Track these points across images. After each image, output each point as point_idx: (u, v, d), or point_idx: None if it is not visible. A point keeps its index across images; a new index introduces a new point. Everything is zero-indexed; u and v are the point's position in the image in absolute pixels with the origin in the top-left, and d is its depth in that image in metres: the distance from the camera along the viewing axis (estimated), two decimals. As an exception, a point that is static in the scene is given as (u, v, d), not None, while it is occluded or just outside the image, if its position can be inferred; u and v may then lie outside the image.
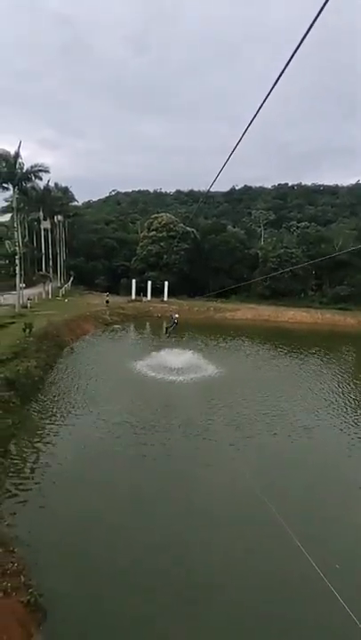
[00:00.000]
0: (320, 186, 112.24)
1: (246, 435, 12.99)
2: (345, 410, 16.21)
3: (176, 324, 27.28)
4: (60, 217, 52.74)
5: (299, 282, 52.64)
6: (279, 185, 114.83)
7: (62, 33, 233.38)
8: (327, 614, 6.04)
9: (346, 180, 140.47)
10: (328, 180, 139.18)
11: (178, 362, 20.58)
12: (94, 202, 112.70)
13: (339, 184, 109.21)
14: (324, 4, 2.54)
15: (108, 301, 41.16)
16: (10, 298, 33.63)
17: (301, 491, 9.98)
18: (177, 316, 28.92)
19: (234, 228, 65.64)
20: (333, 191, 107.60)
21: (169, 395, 16.79)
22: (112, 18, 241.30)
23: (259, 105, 4.51)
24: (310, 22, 2.90)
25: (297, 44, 3.72)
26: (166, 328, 27.97)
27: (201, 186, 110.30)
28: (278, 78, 3.39)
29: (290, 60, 3.22)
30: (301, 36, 3.56)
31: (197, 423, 13.66)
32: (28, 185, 35.21)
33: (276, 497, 8.44)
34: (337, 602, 5.25)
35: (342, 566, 7.10)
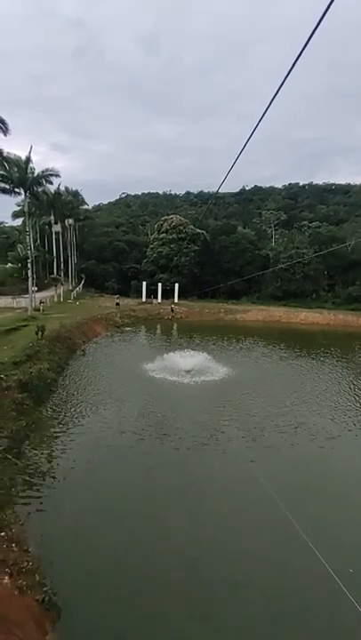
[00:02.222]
0: (332, 185, 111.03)
1: (264, 444, 12.42)
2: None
3: (173, 311, 42.02)
4: (70, 220, 53.31)
5: (311, 282, 52.10)
6: (290, 185, 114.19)
7: (76, 36, 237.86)
8: (341, 617, 5.98)
9: (358, 178, 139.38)
10: (340, 179, 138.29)
11: (189, 364, 20.55)
12: (104, 205, 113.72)
13: (351, 182, 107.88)
14: (329, 5, 2.55)
15: (118, 304, 41.61)
16: (22, 301, 34.14)
17: (321, 501, 9.53)
18: (176, 307, 43.25)
19: (244, 228, 65.34)
20: (346, 190, 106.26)
21: (180, 398, 16.69)
22: (123, 19, 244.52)
23: (269, 104, 4.54)
24: (316, 21, 2.91)
25: (307, 41, 3.73)
26: (170, 314, 41.86)
27: (211, 187, 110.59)
28: (286, 77, 3.41)
29: (297, 59, 3.23)
30: (309, 34, 3.58)
31: (210, 430, 13.17)
32: (39, 189, 35.63)
33: (292, 504, 8.30)
34: (351, 605, 5.22)
35: (356, 570, 7.00)
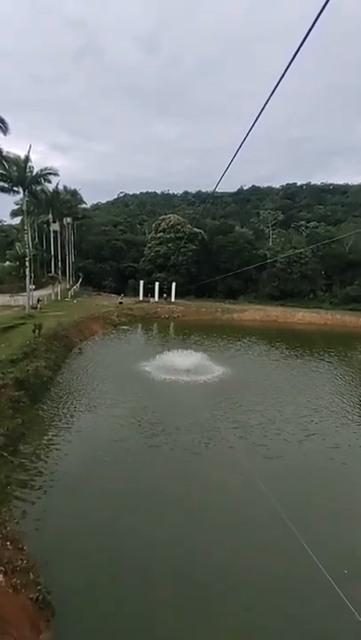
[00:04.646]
0: (330, 185, 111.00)
1: (266, 455, 11.77)
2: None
3: (165, 297, 46.76)
4: (68, 219, 53.20)
5: (308, 282, 52.20)
6: (288, 185, 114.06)
7: (76, 36, 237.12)
8: (337, 620, 5.97)
9: (356, 178, 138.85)
10: (338, 179, 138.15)
11: (186, 363, 20.50)
12: (102, 204, 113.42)
13: (349, 183, 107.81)
14: (325, 4, 2.55)
15: (121, 302, 43.10)
16: (20, 299, 34.06)
17: (325, 512, 9.08)
18: (165, 295, 47.68)
19: (242, 228, 65.34)
20: (343, 190, 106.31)
21: (176, 398, 16.58)
22: (123, 19, 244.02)
23: (269, 104, 4.53)
24: (312, 20, 2.91)
25: (308, 42, 3.73)
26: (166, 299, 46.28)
27: (209, 187, 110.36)
28: (282, 76, 3.40)
29: (293, 58, 3.23)
30: (310, 34, 3.57)
31: (209, 435, 12.67)
32: (38, 188, 35.54)
33: (294, 512, 8.15)
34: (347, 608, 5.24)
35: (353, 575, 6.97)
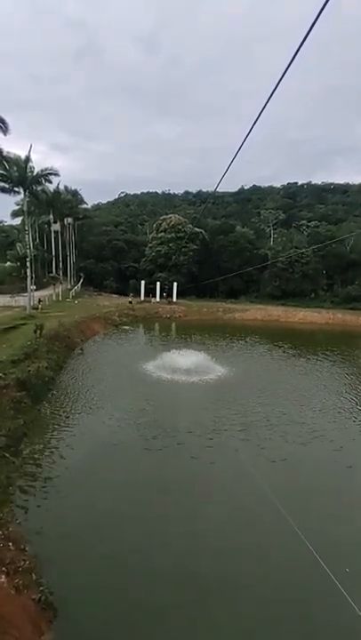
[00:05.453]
0: (330, 184, 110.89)
1: (270, 457, 11.46)
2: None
3: (166, 297, 47.03)
4: (69, 219, 53.31)
5: (309, 282, 52.19)
6: (288, 184, 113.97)
7: (76, 36, 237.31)
8: (340, 620, 5.96)
9: (357, 178, 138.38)
10: (338, 179, 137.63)
11: (187, 363, 20.48)
12: (103, 204, 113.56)
13: (350, 182, 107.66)
14: (325, 4, 2.54)
15: (131, 302, 43.87)
16: (21, 299, 34.09)
17: (330, 517, 8.92)
18: (166, 295, 47.87)
19: (243, 228, 65.35)
20: (344, 189, 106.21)
21: (178, 398, 16.53)
22: (123, 19, 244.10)
23: (269, 104, 4.52)
24: (312, 20, 2.90)
25: (308, 42, 3.72)
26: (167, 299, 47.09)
27: (209, 186, 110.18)
28: (282, 76, 3.39)
29: (293, 58, 3.22)
30: (310, 34, 3.56)
31: (211, 438, 12.58)
32: (39, 188, 35.58)
33: (297, 515, 8.11)
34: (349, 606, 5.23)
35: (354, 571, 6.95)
